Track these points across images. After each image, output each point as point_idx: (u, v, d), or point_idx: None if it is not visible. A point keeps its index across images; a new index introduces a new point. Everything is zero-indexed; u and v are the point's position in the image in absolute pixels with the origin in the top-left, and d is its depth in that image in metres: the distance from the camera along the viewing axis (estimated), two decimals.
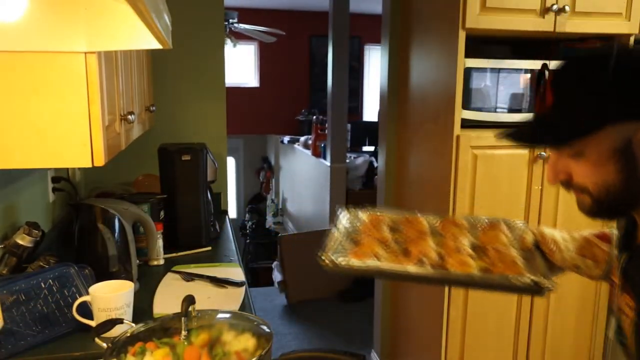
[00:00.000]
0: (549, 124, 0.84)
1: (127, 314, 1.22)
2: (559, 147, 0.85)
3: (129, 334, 0.90)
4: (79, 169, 2.27)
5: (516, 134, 0.88)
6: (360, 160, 5.13)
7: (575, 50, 2.12)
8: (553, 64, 2.10)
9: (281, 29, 5.66)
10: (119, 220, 1.49)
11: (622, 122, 0.78)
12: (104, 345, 0.90)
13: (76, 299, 1.25)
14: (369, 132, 6.35)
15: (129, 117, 1.19)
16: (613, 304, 0.98)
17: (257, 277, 6.27)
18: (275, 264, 4.99)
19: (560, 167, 0.86)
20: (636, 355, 0.81)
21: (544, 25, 1.97)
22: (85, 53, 0.85)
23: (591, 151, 0.81)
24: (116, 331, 1.03)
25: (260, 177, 7.97)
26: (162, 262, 1.80)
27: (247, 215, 7.73)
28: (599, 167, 0.81)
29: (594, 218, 0.87)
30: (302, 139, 6.21)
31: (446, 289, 2.09)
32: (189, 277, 1.65)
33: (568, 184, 0.86)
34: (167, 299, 1.49)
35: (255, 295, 4.66)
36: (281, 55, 7.19)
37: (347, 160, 4.99)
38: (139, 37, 0.84)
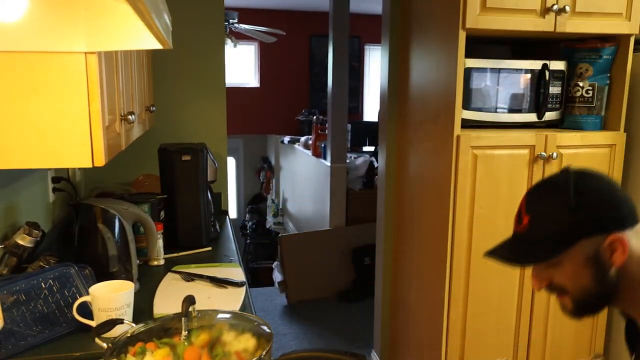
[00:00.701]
0: (529, 246, 0.98)
1: (128, 314, 1.22)
2: (538, 262, 1.00)
3: (129, 334, 0.90)
4: (79, 169, 2.27)
5: (500, 254, 1.01)
6: (360, 160, 5.13)
7: (576, 51, 2.12)
8: (553, 64, 2.10)
9: (281, 29, 5.66)
10: (119, 220, 1.49)
11: (590, 236, 0.94)
12: (104, 345, 0.90)
13: (76, 299, 1.25)
14: (369, 132, 6.36)
15: (129, 117, 1.19)
16: None
17: (257, 277, 6.27)
18: (275, 264, 4.99)
19: (542, 276, 1.00)
20: None
21: (544, 25, 1.97)
22: (86, 53, 0.85)
23: (567, 261, 0.96)
24: (116, 331, 1.03)
25: (261, 177, 7.97)
26: (162, 262, 1.80)
27: (247, 215, 7.74)
28: (576, 273, 0.96)
29: (576, 317, 1.01)
30: (303, 139, 6.21)
31: (446, 289, 2.09)
32: (189, 277, 1.65)
33: (551, 287, 1.01)
34: (167, 299, 1.49)
35: (256, 296, 4.66)
36: (281, 55, 7.19)
37: (348, 161, 4.99)
38: (139, 37, 0.84)
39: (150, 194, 1.97)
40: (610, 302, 0.99)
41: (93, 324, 1.20)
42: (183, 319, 0.88)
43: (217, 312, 1.01)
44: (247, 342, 0.88)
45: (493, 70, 2.05)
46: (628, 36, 2.05)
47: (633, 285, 0.95)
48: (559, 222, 0.95)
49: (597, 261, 0.95)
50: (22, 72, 0.85)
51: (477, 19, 1.90)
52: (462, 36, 1.93)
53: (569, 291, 0.98)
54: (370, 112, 7.53)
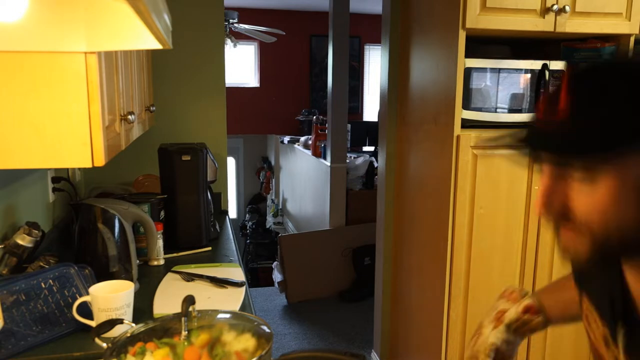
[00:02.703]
0: (566, 129, 0.65)
1: (127, 314, 1.22)
2: (569, 162, 0.66)
3: (129, 334, 0.90)
4: (79, 169, 2.27)
5: (524, 136, 0.70)
6: (360, 160, 5.13)
7: (576, 51, 2.12)
8: (553, 64, 2.10)
9: (281, 29, 5.66)
10: (119, 220, 1.49)
11: None
12: (104, 345, 0.90)
13: (76, 299, 1.25)
14: (369, 132, 6.36)
15: (129, 117, 1.19)
16: None
17: (257, 277, 6.27)
18: (275, 264, 5.00)
19: (557, 194, 0.68)
20: None
21: (544, 25, 1.97)
22: (85, 53, 0.85)
23: (609, 177, 0.63)
24: (116, 331, 1.03)
25: (261, 177, 7.97)
26: (162, 262, 1.80)
27: (247, 215, 7.74)
28: (616, 200, 0.64)
29: (583, 265, 0.72)
30: (302, 139, 6.21)
31: (446, 289, 2.09)
32: (189, 277, 1.65)
33: (562, 216, 0.68)
34: (167, 299, 1.49)
35: (256, 296, 4.66)
36: (281, 55, 7.19)
37: (347, 161, 4.99)
38: (139, 37, 0.84)
39: (150, 194, 1.97)
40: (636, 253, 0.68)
41: (93, 324, 1.20)
42: (183, 319, 0.88)
43: (217, 312, 1.01)
44: (247, 342, 0.88)
45: (493, 70, 2.05)
46: (628, 36, 2.05)
47: None
48: (616, 106, 0.62)
49: None
50: (21, 72, 0.85)
51: (477, 19, 1.90)
52: (462, 36, 1.93)
53: (594, 227, 0.65)
54: (370, 112, 7.53)
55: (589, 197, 0.65)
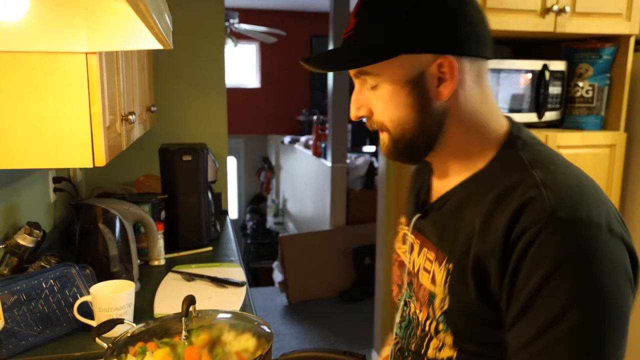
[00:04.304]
0: (345, 47, 0.79)
1: (128, 314, 1.23)
2: (356, 74, 0.80)
3: (129, 334, 0.90)
4: (80, 169, 2.27)
5: (314, 58, 0.81)
6: (361, 160, 5.14)
7: (576, 51, 2.13)
8: (553, 64, 2.10)
9: (282, 29, 5.66)
10: (120, 220, 1.49)
11: (416, 53, 0.76)
12: (105, 345, 0.90)
13: (77, 299, 1.25)
14: (370, 132, 6.34)
15: (130, 117, 1.19)
16: (397, 277, 0.98)
17: (257, 277, 6.28)
18: (275, 264, 5.00)
19: (362, 101, 0.82)
20: (447, 300, 0.79)
21: (544, 25, 1.97)
22: (86, 53, 0.86)
23: (385, 82, 0.78)
24: (117, 331, 1.03)
25: (261, 178, 7.97)
26: (162, 262, 1.81)
27: (247, 215, 7.74)
28: (393, 101, 0.78)
29: (394, 159, 0.84)
30: (303, 139, 6.21)
31: None
32: (190, 277, 1.65)
33: (370, 121, 0.83)
34: (167, 299, 1.49)
35: (256, 296, 4.67)
36: (282, 56, 7.20)
37: (348, 161, 5.00)
38: (140, 37, 0.84)
39: (150, 194, 1.97)
40: (434, 145, 0.81)
41: (94, 323, 1.20)
42: (183, 319, 0.88)
43: (217, 312, 1.01)
44: (247, 342, 0.88)
45: (493, 70, 2.05)
46: (628, 36, 2.05)
47: (460, 130, 0.80)
48: (385, 21, 0.76)
49: (419, 86, 0.77)
50: (23, 72, 0.85)
51: None
52: None
53: (387, 126, 0.81)
54: None
55: (378, 102, 0.80)
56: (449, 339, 0.80)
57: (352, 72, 0.81)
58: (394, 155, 0.83)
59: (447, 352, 0.81)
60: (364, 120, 0.84)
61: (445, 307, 0.79)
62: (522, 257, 0.69)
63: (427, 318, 0.83)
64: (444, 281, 0.79)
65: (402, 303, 0.94)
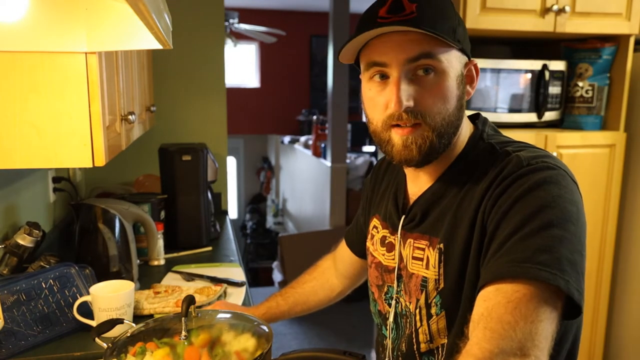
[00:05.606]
0: (428, 22, 0.76)
1: (128, 314, 1.23)
2: (420, 55, 0.77)
3: (129, 334, 0.90)
4: (80, 169, 2.27)
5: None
6: (360, 160, 5.14)
7: (576, 51, 2.13)
8: (553, 64, 2.10)
9: (281, 29, 5.66)
10: (120, 220, 1.49)
11: (462, 53, 0.83)
12: (104, 345, 0.90)
13: (77, 298, 1.25)
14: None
15: (130, 117, 1.19)
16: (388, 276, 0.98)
17: (257, 277, 6.27)
18: (275, 264, 5.00)
19: (410, 91, 0.78)
20: (442, 279, 0.83)
21: (544, 25, 1.97)
22: (86, 53, 0.86)
23: (444, 70, 0.79)
24: (116, 331, 1.03)
25: (261, 177, 7.97)
26: (162, 262, 1.81)
27: (247, 215, 7.74)
28: (445, 91, 0.80)
29: (411, 157, 0.82)
30: (303, 139, 6.21)
31: None
32: (190, 277, 1.65)
33: (413, 112, 0.79)
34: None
35: (256, 295, 4.65)
36: (281, 56, 7.19)
37: (348, 161, 5.00)
38: (139, 37, 0.84)
39: (150, 194, 1.97)
40: (451, 142, 0.85)
41: (93, 323, 1.20)
42: (183, 318, 0.88)
43: (217, 311, 1.01)
44: (247, 342, 0.88)
45: (493, 70, 2.05)
46: (628, 36, 2.05)
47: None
48: (447, 17, 0.79)
49: (463, 83, 0.84)
50: (22, 72, 0.85)
51: (477, 19, 1.91)
52: None
53: (432, 112, 0.79)
54: None
55: (432, 87, 0.79)
56: (442, 323, 0.84)
57: (415, 53, 0.78)
58: (421, 150, 0.81)
59: (439, 340, 0.84)
60: (405, 112, 0.79)
61: (441, 286, 0.83)
62: (503, 192, 0.76)
63: (418, 307, 0.87)
64: (438, 261, 0.84)
65: (393, 302, 0.96)
